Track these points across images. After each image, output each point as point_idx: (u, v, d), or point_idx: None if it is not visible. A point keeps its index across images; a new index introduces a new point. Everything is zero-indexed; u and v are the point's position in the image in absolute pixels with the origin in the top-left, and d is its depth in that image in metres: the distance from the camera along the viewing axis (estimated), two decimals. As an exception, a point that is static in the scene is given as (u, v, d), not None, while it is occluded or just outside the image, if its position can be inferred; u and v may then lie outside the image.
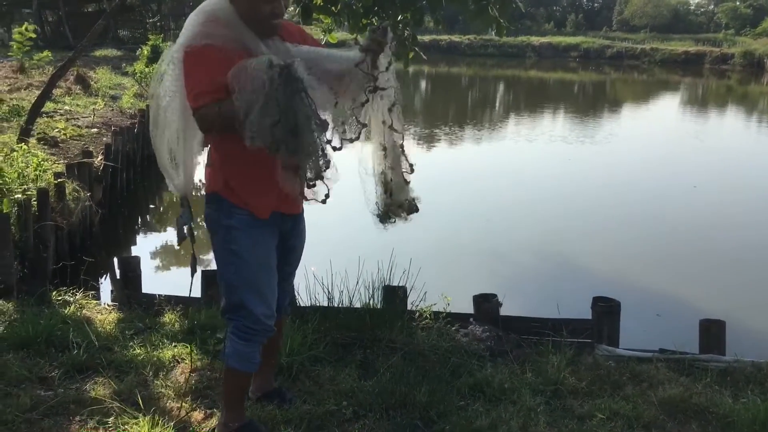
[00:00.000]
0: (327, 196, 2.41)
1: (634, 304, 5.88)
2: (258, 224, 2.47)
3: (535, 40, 56.43)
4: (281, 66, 2.14)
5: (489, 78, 39.20)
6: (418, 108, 23.75)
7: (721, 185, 11.64)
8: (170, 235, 8.79)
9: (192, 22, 2.38)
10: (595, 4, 79.84)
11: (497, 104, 28.11)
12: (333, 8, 6.15)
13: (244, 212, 2.45)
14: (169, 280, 6.75)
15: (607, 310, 3.68)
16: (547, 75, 43.03)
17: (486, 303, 3.82)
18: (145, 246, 8.22)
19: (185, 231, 2.64)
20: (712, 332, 3.63)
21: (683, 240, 8.52)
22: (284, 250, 2.63)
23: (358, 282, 3.79)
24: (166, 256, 7.86)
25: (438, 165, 12.25)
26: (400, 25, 6.37)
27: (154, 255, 7.83)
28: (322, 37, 6.94)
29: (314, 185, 2.29)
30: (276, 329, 2.63)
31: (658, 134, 18.59)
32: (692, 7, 76.45)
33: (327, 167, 2.26)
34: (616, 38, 58.96)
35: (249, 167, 2.39)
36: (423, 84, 34.00)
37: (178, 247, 2.43)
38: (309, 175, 2.26)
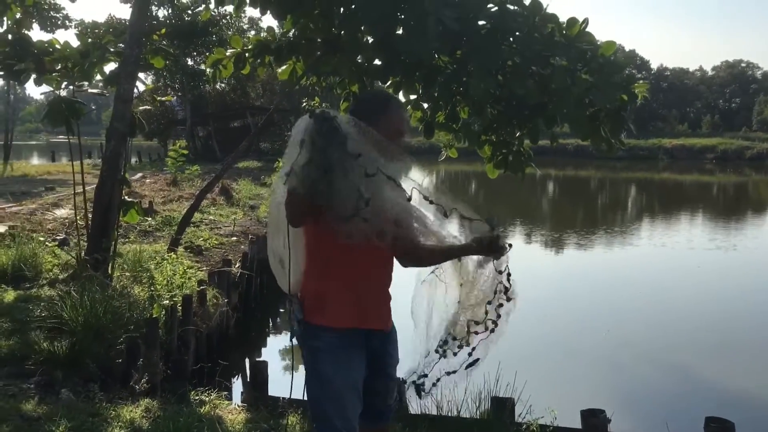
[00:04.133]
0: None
1: (763, 424, 5.61)
2: (344, 345, 2.58)
3: (667, 142, 55.28)
4: (316, 114, 2.32)
5: (619, 181, 38.51)
6: (546, 211, 23.73)
7: None
8: (297, 339, 9.28)
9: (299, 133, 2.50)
10: (733, 105, 77.46)
11: (629, 207, 27.51)
12: (454, 125, 6.61)
13: (329, 333, 2.57)
14: (295, 383, 7.14)
15: (720, 431, 3.62)
16: (683, 177, 41.70)
17: (593, 418, 3.85)
18: (274, 347, 8.72)
19: (296, 327, 2.73)
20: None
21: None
22: (377, 366, 2.71)
23: (465, 392, 3.96)
24: (293, 359, 8.30)
25: (563, 270, 12.19)
26: (516, 142, 6.70)
27: (282, 356, 8.29)
28: (443, 151, 7.35)
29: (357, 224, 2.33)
30: None
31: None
32: (842, 104, 72.30)
33: (366, 204, 2.30)
34: (757, 138, 56.55)
35: (331, 280, 2.55)
36: (550, 186, 33.97)
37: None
38: (346, 212, 2.31)
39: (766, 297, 10.78)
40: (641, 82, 6.17)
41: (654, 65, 79.52)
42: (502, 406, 3.91)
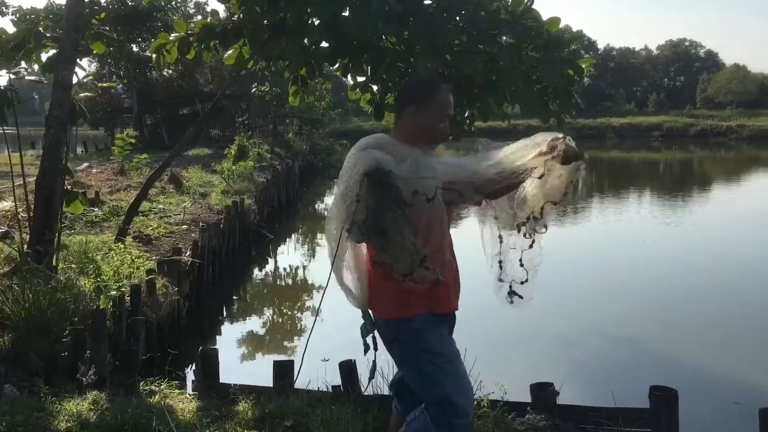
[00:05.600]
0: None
1: (705, 391, 5.79)
2: (438, 320, 2.67)
3: (615, 121, 56.35)
4: (371, 171, 2.36)
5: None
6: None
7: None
8: (251, 326, 9.19)
9: (354, 156, 2.53)
10: (677, 83, 79.23)
11: (579, 185, 27.92)
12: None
13: (422, 313, 2.62)
14: (247, 370, 7.11)
15: (664, 399, 3.70)
16: (630, 155, 42.59)
17: (543, 392, 3.91)
18: (228, 336, 8.64)
19: (368, 341, 2.77)
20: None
21: (754, 324, 8.34)
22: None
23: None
24: (247, 346, 8.25)
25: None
26: (468, 121, 6.71)
27: (237, 344, 8.22)
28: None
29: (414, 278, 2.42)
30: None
31: (746, 214, 18.11)
32: (780, 81, 74.64)
33: (422, 263, 2.40)
34: (700, 116, 58.09)
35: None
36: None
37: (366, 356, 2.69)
38: (399, 270, 2.41)
39: (709, 269, 11.11)
40: (587, 57, 6.24)
41: (601, 45, 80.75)
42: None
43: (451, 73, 5.91)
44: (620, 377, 6.30)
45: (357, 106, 8.12)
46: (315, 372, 4.26)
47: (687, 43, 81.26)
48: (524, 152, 2.68)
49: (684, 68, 78.51)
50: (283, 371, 4.19)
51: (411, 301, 2.58)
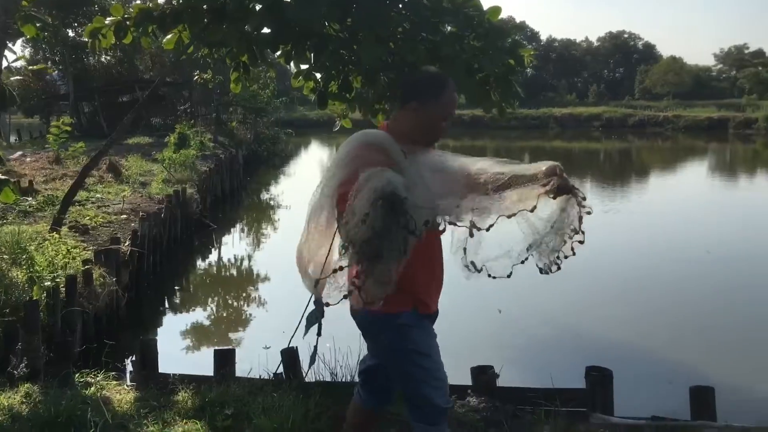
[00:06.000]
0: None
1: (639, 371, 5.99)
2: (424, 317, 2.66)
3: (557, 111, 57.31)
4: (386, 195, 2.21)
5: (513, 149, 39.66)
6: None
7: (736, 252, 11.73)
8: (193, 316, 9.07)
9: (349, 152, 2.49)
10: (617, 74, 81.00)
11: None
12: (347, 95, 6.54)
13: (409, 309, 2.61)
14: (188, 360, 7.01)
15: (599, 379, 3.81)
16: (571, 145, 43.42)
17: (483, 375, 3.97)
18: (169, 327, 8.51)
19: (316, 329, 2.71)
20: (702, 398, 3.73)
21: (687, 307, 8.69)
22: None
23: (359, 357, 3.96)
24: (188, 337, 8.13)
25: (446, 237, 12.45)
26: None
27: (178, 335, 8.10)
28: (337, 122, 7.28)
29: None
30: None
31: (682, 201, 18.73)
32: (714, 73, 77.27)
33: (389, 292, 2.32)
34: (639, 107, 59.59)
35: (419, 268, 2.54)
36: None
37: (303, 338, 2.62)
38: (364, 297, 2.32)
39: (646, 254, 11.45)
40: (528, 47, 6.32)
41: (543, 37, 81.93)
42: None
43: (395, 62, 5.90)
44: (559, 360, 6.46)
45: (302, 95, 8.04)
46: (256, 360, 4.23)
47: (626, 35, 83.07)
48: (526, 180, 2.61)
49: (623, 60, 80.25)
50: (224, 360, 4.15)
51: (398, 297, 2.50)
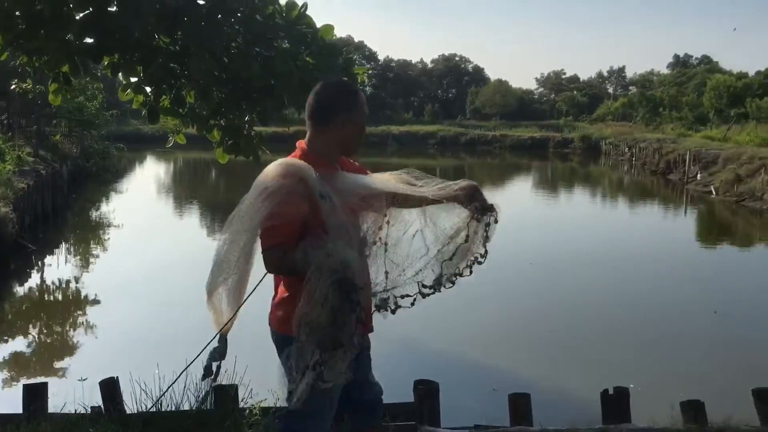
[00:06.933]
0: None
1: (472, 381, 6.26)
2: None
3: (395, 129, 59.03)
4: (341, 280, 2.17)
5: (353, 166, 40.20)
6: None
7: (555, 260, 12.66)
8: (5, 349, 8.29)
9: (269, 184, 2.36)
10: (450, 95, 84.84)
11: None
12: (180, 110, 6.31)
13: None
14: None
15: (426, 392, 3.93)
16: (410, 161, 44.80)
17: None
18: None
19: (213, 368, 2.59)
20: (520, 405, 3.95)
21: (514, 314, 9.16)
22: (361, 363, 2.68)
23: (186, 384, 3.78)
24: None
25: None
26: (247, 125, 6.62)
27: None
28: (170, 137, 6.99)
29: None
30: None
31: (505, 215, 19.86)
32: (536, 96, 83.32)
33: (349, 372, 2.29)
34: (470, 126, 62.87)
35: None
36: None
37: (202, 382, 2.39)
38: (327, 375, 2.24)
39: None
40: (364, 66, 6.45)
41: (381, 57, 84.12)
42: (225, 394, 3.83)
43: (228, 77, 5.80)
44: (389, 375, 6.55)
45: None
46: (72, 393, 3.93)
47: (457, 58, 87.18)
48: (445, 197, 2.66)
49: (455, 81, 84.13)
50: (35, 395, 3.81)
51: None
